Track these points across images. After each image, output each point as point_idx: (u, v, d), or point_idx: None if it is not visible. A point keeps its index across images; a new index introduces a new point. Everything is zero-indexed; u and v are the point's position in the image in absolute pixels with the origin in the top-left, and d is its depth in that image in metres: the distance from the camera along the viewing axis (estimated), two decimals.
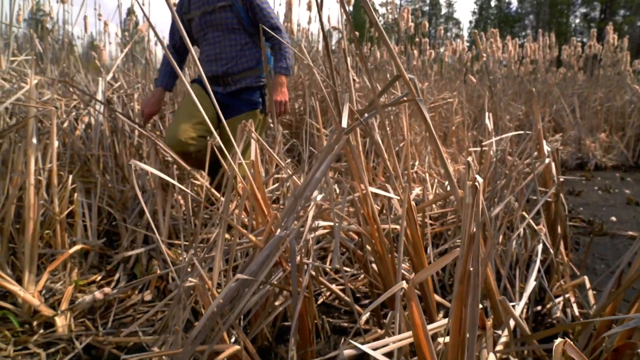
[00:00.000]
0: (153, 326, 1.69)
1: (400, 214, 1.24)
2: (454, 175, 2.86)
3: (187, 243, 2.04)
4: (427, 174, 2.99)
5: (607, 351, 1.00)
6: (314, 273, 1.28)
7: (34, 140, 1.92)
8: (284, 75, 2.38)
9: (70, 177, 2.01)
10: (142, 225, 2.20)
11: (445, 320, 0.93)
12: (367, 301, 1.87)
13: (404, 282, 0.79)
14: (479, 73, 6.42)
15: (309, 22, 4.95)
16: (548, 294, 1.47)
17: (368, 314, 1.64)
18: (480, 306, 1.00)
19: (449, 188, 2.64)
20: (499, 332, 1.03)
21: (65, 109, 2.45)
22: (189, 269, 1.30)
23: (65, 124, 2.34)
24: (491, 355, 0.92)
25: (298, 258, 1.14)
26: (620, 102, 5.78)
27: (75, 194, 2.02)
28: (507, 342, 1.01)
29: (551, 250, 1.64)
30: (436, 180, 3.03)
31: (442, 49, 6.11)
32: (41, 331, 1.62)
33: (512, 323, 1.06)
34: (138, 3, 1.27)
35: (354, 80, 1.11)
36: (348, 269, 2.09)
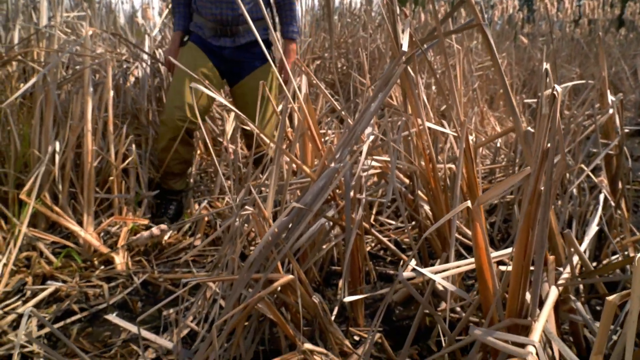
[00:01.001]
0: (204, 268, 1.76)
1: (457, 154, 1.20)
2: (500, 141, 2.75)
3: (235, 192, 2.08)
4: (474, 135, 2.89)
5: None
6: (364, 212, 1.27)
7: (90, 90, 1.99)
8: (294, 42, 2.17)
9: (125, 127, 2.08)
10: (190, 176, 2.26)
11: (509, 250, 0.91)
12: (411, 253, 1.87)
13: (468, 201, 0.76)
14: (530, 35, 6.08)
15: None
16: (608, 239, 1.40)
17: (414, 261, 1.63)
18: None
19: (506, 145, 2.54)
20: (560, 269, 1.00)
21: (116, 64, 2.51)
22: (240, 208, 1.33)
23: (117, 77, 2.41)
24: (553, 288, 0.89)
25: (352, 193, 1.14)
26: None
27: (129, 142, 2.09)
28: (569, 279, 0.97)
29: (612, 203, 1.56)
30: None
31: (490, 11, 5.81)
32: (102, 267, 1.72)
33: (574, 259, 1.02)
34: None
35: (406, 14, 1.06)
36: (392, 222, 2.08)
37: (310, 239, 1.15)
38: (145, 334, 1.21)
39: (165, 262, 1.79)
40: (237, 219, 1.10)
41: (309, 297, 1.14)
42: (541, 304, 0.91)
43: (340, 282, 1.61)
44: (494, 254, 0.88)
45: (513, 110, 1.01)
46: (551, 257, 0.96)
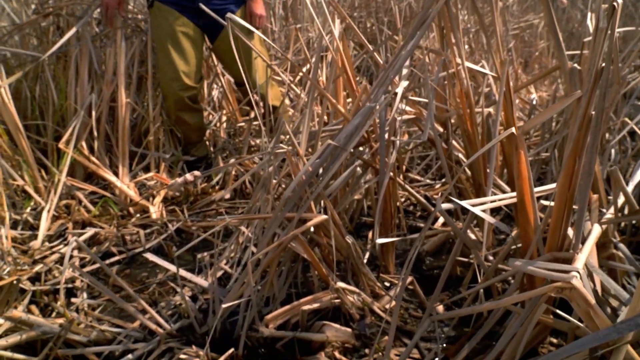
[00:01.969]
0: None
1: (496, 98, 1.16)
2: (537, 98, 2.64)
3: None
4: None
5: None
6: (397, 159, 1.25)
7: (123, 45, 2.01)
8: None
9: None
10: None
11: (552, 185, 0.88)
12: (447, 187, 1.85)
13: (512, 128, 0.74)
14: None
15: None
16: None
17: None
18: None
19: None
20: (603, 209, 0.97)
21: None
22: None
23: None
24: (596, 225, 0.87)
25: (386, 135, 1.12)
26: None
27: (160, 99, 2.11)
28: (613, 219, 0.94)
29: None
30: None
31: None
32: (137, 216, 1.77)
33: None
34: None
35: None
36: (421, 178, 2.06)
37: (344, 180, 1.14)
38: (183, 272, 1.25)
39: (198, 212, 1.83)
40: (271, 157, 1.11)
41: (342, 237, 1.15)
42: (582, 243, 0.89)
43: (370, 233, 1.61)
44: (537, 189, 0.86)
45: (559, 46, 0.96)
46: (595, 196, 0.93)
